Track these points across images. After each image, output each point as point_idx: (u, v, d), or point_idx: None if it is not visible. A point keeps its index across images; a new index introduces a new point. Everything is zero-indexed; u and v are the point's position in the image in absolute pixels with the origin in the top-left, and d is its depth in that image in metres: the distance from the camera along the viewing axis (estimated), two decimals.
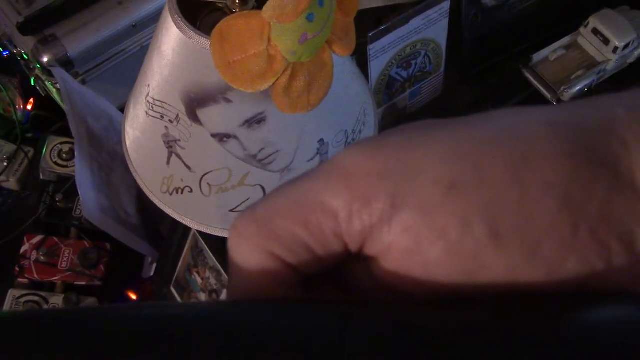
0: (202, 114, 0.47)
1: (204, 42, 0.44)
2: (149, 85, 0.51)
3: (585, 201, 0.19)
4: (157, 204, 0.55)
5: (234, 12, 0.47)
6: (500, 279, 0.19)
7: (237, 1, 0.47)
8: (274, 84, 0.43)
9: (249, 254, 0.21)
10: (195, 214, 0.54)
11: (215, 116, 0.47)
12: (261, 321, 0.19)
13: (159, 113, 0.50)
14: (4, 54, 0.85)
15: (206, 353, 0.18)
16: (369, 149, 0.20)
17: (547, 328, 0.18)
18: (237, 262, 0.21)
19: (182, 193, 0.53)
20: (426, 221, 0.19)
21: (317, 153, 0.52)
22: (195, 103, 0.47)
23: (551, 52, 0.83)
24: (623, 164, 0.19)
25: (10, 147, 0.87)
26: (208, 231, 0.55)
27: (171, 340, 0.18)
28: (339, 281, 0.22)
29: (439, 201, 0.19)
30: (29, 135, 0.90)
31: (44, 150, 0.84)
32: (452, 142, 0.20)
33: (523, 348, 0.18)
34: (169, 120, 0.50)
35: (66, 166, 0.84)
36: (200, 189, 0.52)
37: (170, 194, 0.54)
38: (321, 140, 0.51)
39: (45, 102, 0.88)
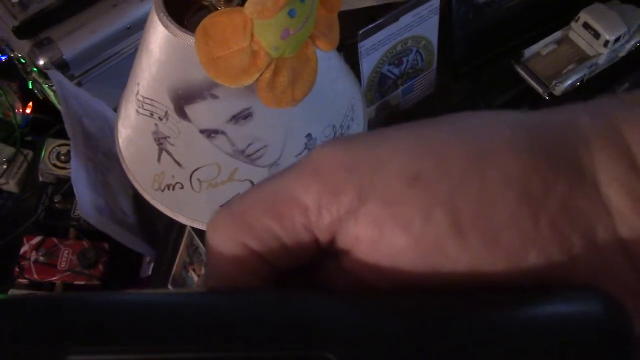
0: (189, 110, 0.48)
1: (189, 39, 0.45)
2: (138, 84, 0.52)
3: (545, 195, 0.19)
4: (150, 201, 0.56)
5: (219, 9, 0.48)
6: (462, 269, 0.20)
7: None
8: (257, 79, 0.44)
9: (224, 244, 0.21)
10: (187, 210, 0.55)
11: (202, 112, 0.48)
12: (234, 305, 0.20)
13: (149, 110, 0.51)
14: (2, 58, 0.86)
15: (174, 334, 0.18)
16: (339, 146, 0.21)
17: (485, 320, 0.19)
18: (213, 253, 0.22)
19: (173, 189, 0.54)
20: (390, 212, 0.20)
21: (305, 148, 0.52)
22: (183, 100, 0.48)
23: (542, 47, 0.84)
24: (585, 163, 0.20)
25: (9, 150, 0.88)
26: (200, 227, 0.56)
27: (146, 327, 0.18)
28: (311, 278, 0.23)
29: (403, 193, 0.20)
30: (28, 138, 0.92)
31: (42, 153, 0.85)
32: (417, 137, 0.21)
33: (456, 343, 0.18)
34: (159, 118, 0.50)
35: (64, 168, 0.85)
36: (191, 185, 0.53)
37: (162, 191, 0.55)
38: (309, 135, 0.52)
39: (44, 105, 0.89)
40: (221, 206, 0.22)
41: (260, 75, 0.43)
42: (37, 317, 0.18)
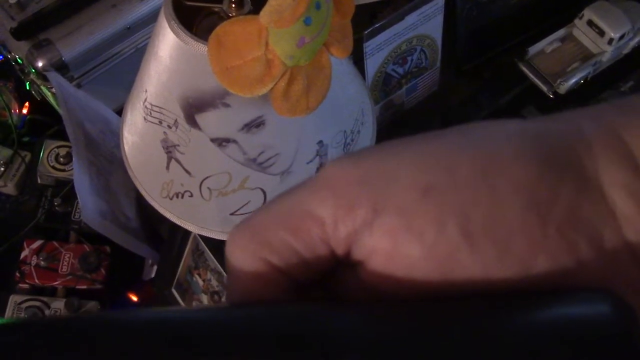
0: (200, 119, 0.47)
1: (201, 47, 0.44)
2: (146, 91, 0.51)
3: (552, 202, 0.20)
4: (158, 209, 0.55)
5: (230, 16, 0.47)
6: (475, 277, 0.20)
7: (233, 5, 0.46)
8: (272, 88, 0.43)
9: (244, 260, 0.22)
10: (196, 218, 0.54)
11: (214, 121, 0.47)
12: (256, 320, 0.21)
13: (157, 118, 0.50)
14: None
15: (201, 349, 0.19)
16: (350, 161, 0.22)
17: (495, 325, 0.19)
18: (234, 269, 0.22)
19: (182, 197, 0.53)
20: (404, 224, 0.20)
21: (317, 155, 0.52)
22: (194, 108, 0.47)
23: (547, 44, 0.83)
24: (589, 169, 0.21)
25: (6, 152, 0.87)
26: (209, 235, 0.55)
27: (170, 342, 0.19)
28: (330, 289, 0.23)
29: (415, 204, 0.20)
30: (26, 139, 0.90)
31: (41, 155, 0.84)
32: (426, 150, 0.22)
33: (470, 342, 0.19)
34: (168, 126, 0.49)
35: (64, 170, 0.83)
36: (201, 193, 0.52)
37: (171, 199, 0.54)
38: (320, 141, 0.51)
39: (41, 106, 0.88)
40: (237, 223, 0.23)
41: (275, 84, 0.43)
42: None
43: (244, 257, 0.22)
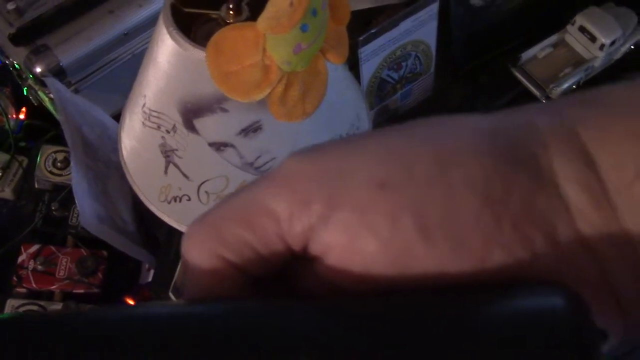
0: (198, 123, 0.48)
1: (199, 53, 0.45)
2: (145, 96, 0.51)
3: (506, 196, 0.20)
4: (156, 213, 0.56)
5: (228, 22, 0.48)
6: (431, 271, 0.20)
7: (231, 12, 0.47)
8: (269, 93, 0.43)
9: (200, 257, 0.22)
10: None
11: (212, 126, 0.48)
12: (210, 316, 0.21)
13: (156, 123, 0.51)
14: None
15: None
16: (308, 156, 0.22)
17: (451, 318, 0.20)
18: (190, 265, 0.22)
19: (180, 201, 0.54)
20: (360, 219, 0.20)
21: None
22: (192, 113, 0.48)
23: (539, 50, 0.84)
24: (544, 163, 0.21)
25: (3, 157, 0.87)
26: None
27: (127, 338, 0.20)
28: (288, 283, 0.23)
29: (371, 200, 0.20)
30: (23, 144, 0.90)
31: (38, 159, 0.84)
32: (383, 144, 0.22)
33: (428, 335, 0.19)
34: (166, 131, 0.50)
35: (61, 175, 0.84)
36: (199, 197, 0.53)
37: (169, 203, 0.54)
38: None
39: (38, 111, 0.88)
40: (195, 219, 0.23)
41: (272, 89, 0.43)
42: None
43: (200, 253, 0.22)
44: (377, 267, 0.21)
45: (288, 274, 0.23)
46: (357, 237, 0.20)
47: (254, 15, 0.46)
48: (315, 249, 0.21)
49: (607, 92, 0.23)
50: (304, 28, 0.41)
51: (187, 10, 0.48)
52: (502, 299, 0.20)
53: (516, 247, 0.20)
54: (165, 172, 0.53)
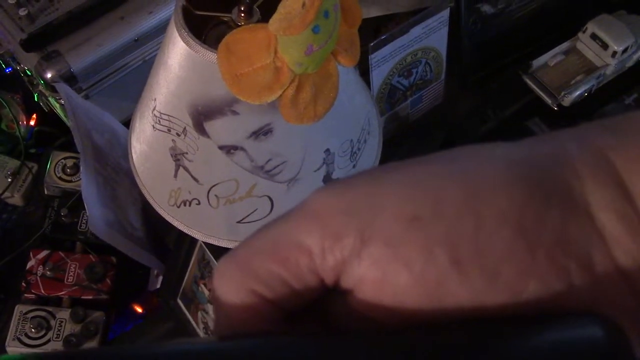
0: (209, 126, 0.48)
1: (210, 55, 0.45)
2: (155, 99, 0.51)
3: (540, 227, 0.20)
4: (165, 217, 0.56)
5: (239, 25, 0.47)
6: (465, 304, 0.20)
7: (243, 14, 0.47)
8: (280, 95, 0.43)
9: (232, 292, 0.22)
10: (203, 226, 0.55)
11: (222, 128, 0.48)
12: (244, 354, 0.21)
13: (166, 127, 0.51)
14: (7, 70, 0.85)
15: None
16: (337, 190, 0.22)
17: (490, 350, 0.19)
18: (221, 300, 0.22)
19: (189, 205, 0.53)
20: (392, 253, 0.21)
21: (324, 163, 0.52)
22: (203, 116, 0.47)
23: (550, 57, 0.84)
24: (576, 192, 0.21)
25: (14, 163, 0.87)
26: (216, 243, 0.55)
27: None
28: (320, 317, 0.24)
29: (402, 234, 0.21)
30: (33, 150, 0.91)
31: (48, 166, 0.84)
32: (412, 177, 0.22)
33: None
34: (176, 134, 0.50)
35: (71, 181, 0.84)
36: (208, 201, 0.52)
37: (178, 207, 0.54)
38: (327, 150, 0.52)
39: (48, 118, 0.88)
40: (225, 255, 0.23)
41: (283, 91, 0.43)
42: None
43: (232, 289, 0.22)
44: (409, 300, 0.21)
45: (319, 306, 0.23)
46: (390, 270, 0.21)
47: (265, 18, 0.46)
48: (347, 282, 0.21)
49: (637, 118, 0.22)
50: (315, 29, 0.41)
51: (198, 12, 0.48)
52: (540, 332, 0.20)
53: (551, 278, 0.20)
54: (175, 175, 0.53)
